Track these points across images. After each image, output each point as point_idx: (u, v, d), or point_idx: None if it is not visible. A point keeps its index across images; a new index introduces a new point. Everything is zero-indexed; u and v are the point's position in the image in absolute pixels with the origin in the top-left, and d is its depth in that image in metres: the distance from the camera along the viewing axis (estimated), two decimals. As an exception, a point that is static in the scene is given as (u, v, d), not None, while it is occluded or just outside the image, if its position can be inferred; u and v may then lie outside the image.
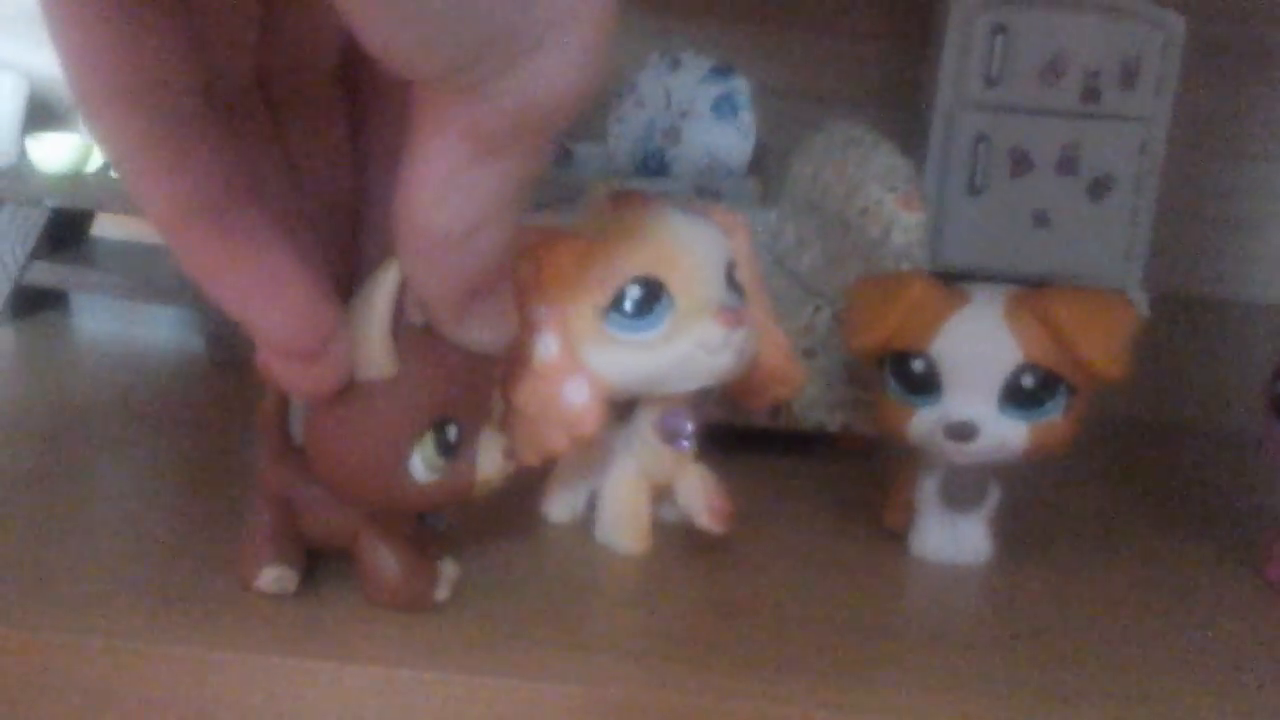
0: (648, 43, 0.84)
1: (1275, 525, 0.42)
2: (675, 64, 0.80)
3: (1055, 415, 0.38)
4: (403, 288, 0.31)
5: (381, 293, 0.31)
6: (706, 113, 0.76)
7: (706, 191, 0.72)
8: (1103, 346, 0.37)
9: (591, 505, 0.42)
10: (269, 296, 0.29)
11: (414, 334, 0.32)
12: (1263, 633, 0.38)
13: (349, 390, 0.31)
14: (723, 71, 0.78)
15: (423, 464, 0.32)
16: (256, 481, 0.36)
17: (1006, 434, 0.38)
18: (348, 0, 0.23)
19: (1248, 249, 0.98)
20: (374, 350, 0.31)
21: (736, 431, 0.48)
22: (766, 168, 0.78)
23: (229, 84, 0.29)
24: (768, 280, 0.54)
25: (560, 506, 0.42)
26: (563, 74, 0.25)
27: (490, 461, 0.34)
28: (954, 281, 0.40)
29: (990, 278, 0.50)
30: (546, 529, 0.42)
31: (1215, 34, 0.93)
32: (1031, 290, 0.39)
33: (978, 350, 0.38)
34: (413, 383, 0.32)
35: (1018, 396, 0.38)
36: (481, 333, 0.32)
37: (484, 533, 0.40)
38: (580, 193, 0.50)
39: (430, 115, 0.27)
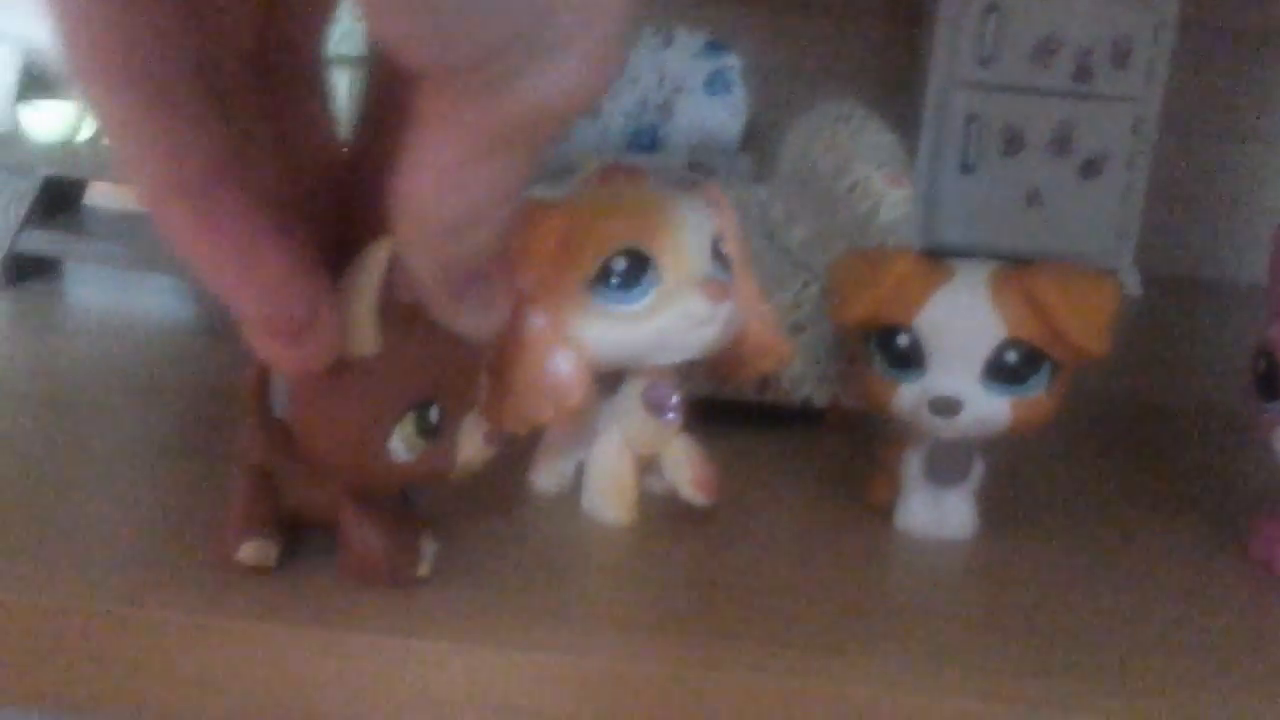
0: (641, 19, 0.84)
1: (1260, 504, 0.43)
2: (668, 40, 0.80)
3: (1038, 391, 0.38)
4: (395, 266, 0.31)
5: (369, 270, 0.31)
6: (699, 89, 0.76)
7: (699, 167, 0.72)
8: (1086, 323, 0.37)
9: (580, 476, 0.42)
10: (248, 274, 0.29)
11: (403, 313, 0.32)
12: (1245, 610, 0.39)
13: (334, 366, 0.32)
14: (716, 48, 0.78)
15: (403, 443, 0.33)
16: (238, 454, 0.37)
17: (989, 410, 0.38)
18: None
19: (1238, 229, 0.98)
20: (359, 327, 0.31)
21: (724, 405, 0.48)
22: (759, 144, 0.78)
23: (222, 62, 0.29)
24: (759, 255, 0.55)
25: (548, 477, 0.43)
26: (575, 78, 0.26)
27: (471, 445, 0.34)
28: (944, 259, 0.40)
29: (982, 256, 0.50)
30: (534, 499, 0.42)
31: (1207, 15, 0.93)
32: (1016, 266, 0.39)
33: (962, 325, 0.38)
34: (398, 362, 0.32)
35: (1001, 372, 0.38)
36: (475, 318, 0.32)
37: (472, 502, 0.40)
38: (574, 167, 0.50)
39: (437, 107, 0.27)
